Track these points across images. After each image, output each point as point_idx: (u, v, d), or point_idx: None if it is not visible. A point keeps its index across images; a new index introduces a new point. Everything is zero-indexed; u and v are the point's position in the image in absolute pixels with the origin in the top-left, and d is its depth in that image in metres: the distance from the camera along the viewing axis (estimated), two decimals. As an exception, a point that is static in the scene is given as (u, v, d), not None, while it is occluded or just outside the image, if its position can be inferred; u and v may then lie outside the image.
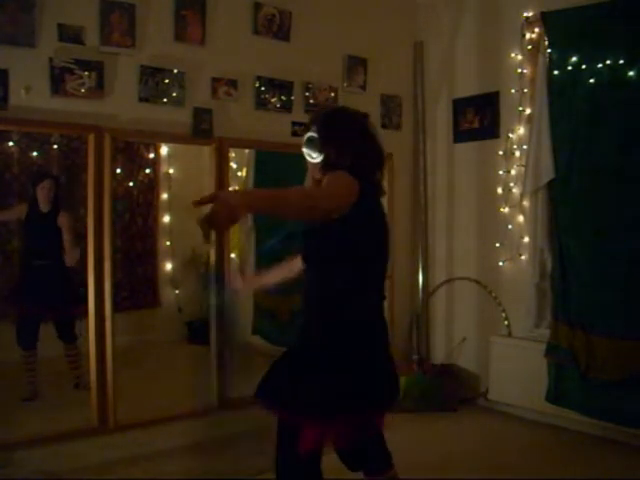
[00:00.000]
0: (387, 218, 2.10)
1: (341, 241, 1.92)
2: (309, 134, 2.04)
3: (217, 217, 1.50)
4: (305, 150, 2.05)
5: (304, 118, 4.24)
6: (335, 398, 1.91)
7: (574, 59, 3.76)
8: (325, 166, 2.01)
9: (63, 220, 4.13)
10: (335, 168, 1.95)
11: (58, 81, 3.27)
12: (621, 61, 3.56)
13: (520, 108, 4.17)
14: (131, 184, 5.65)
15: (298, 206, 1.70)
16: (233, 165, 4.88)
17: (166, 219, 5.80)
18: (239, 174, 5.51)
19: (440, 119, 4.82)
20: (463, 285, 4.66)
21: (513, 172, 4.26)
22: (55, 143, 4.96)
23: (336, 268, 1.96)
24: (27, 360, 4.07)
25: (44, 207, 4.20)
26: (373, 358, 1.99)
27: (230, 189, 1.80)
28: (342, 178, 1.87)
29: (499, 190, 4.35)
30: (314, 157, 2.03)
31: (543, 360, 3.92)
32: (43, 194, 4.19)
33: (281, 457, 2.02)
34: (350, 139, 2.01)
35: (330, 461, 2.13)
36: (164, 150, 5.73)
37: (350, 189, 1.85)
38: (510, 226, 4.27)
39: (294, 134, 4.21)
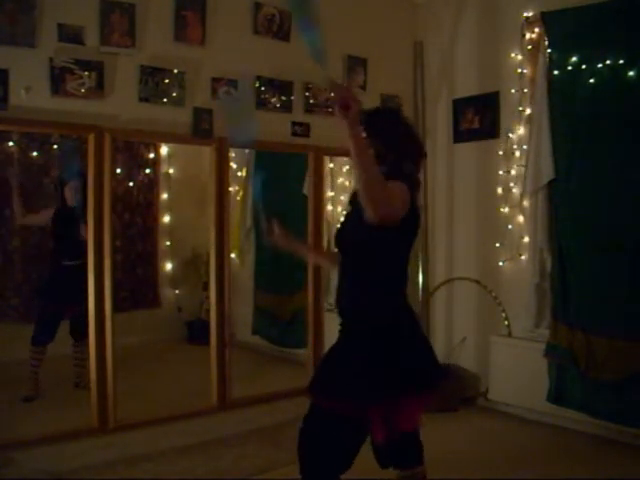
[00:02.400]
0: (420, 211, 2.27)
1: (388, 247, 2.09)
2: None
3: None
4: None
5: (304, 118, 4.25)
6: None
7: (574, 59, 3.76)
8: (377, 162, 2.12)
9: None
10: (383, 163, 2.08)
11: (58, 81, 3.27)
12: (621, 61, 3.56)
13: (520, 108, 4.17)
14: (131, 184, 5.65)
15: (375, 187, 1.82)
16: (233, 165, 4.89)
17: (166, 219, 5.80)
18: (239, 174, 5.52)
19: (440, 119, 4.82)
20: (463, 285, 4.66)
21: (513, 172, 4.26)
22: (55, 143, 4.98)
23: (379, 262, 2.13)
24: (36, 357, 4.09)
25: (72, 204, 4.25)
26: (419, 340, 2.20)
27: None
28: (403, 193, 2.00)
29: (499, 190, 4.35)
30: None
31: (543, 360, 3.92)
32: (70, 194, 4.24)
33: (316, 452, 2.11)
34: (395, 134, 2.15)
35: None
36: (164, 150, 5.74)
37: (405, 204, 2.00)
38: (510, 226, 4.27)
39: (294, 134, 4.21)
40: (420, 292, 4.74)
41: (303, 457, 2.13)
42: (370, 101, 4.57)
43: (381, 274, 2.12)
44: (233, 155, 4.54)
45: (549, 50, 3.89)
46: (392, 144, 2.13)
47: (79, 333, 4.25)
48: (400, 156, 2.13)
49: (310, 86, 4.26)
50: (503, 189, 4.32)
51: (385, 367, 2.04)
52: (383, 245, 2.04)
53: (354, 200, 2.12)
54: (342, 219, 2.43)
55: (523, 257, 4.19)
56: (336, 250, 2.31)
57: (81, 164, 3.91)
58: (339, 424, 2.06)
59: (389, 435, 2.11)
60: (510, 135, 4.27)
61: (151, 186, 5.80)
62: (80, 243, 4.22)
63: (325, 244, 4.52)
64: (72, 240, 4.22)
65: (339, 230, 2.33)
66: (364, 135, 2.00)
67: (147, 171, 5.75)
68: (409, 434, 2.18)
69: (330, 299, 4.28)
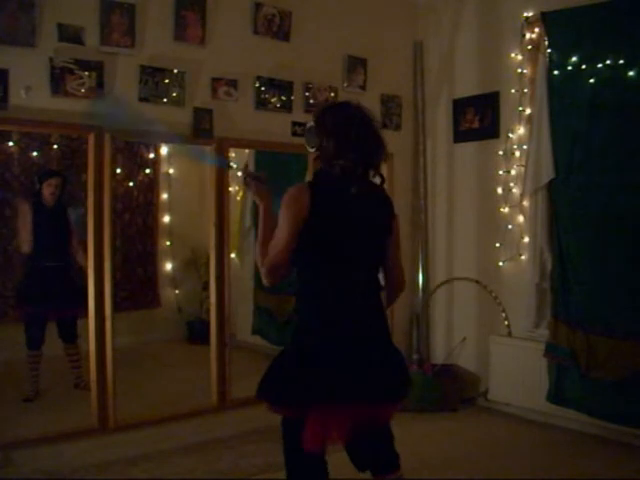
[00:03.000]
0: (358, 211, 2.07)
1: (303, 246, 2.01)
2: (308, 125, 2.10)
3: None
4: (305, 139, 2.11)
5: (304, 118, 4.24)
6: (306, 388, 1.97)
7: (574, 59, 3.76)
8: (319, 156, 2.07)
9: (73, 215, 4.12)
10: (326, 157, 2.03)
11: (58, 81, 3.27)
12: (621, 61, 3.56)
13: (520, 108, 4.17)
14: (131, 184, 5.65)
15: (260, 256, 2.05)
16: (233, 165, 4.88)
17: (166, 219, 5.80)
18: (239, 174, 5.51)
19: (440, 119, 4.82)
20: (463, 285, 4.66)
21: (513, 172, 4.26)
22: (55, 143, 4.97)
23: (301, 268, 2.06)
24: (33, 360, 4.08)
25: (50, 203, 4.20)
26: (340, 348, 2.00)
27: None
28: (281, 220, 2.00)
29: (499, 190, 4.35)
30: (311, 147, 2.08)
31: (543, 360, 3.92)
32: (49, 191, 4.19)
33: (285, 456, 2.11)
34: (340, 128, 2.03)
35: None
36: (164, 150, 5.73)
37: (291, 223, 1.98)
38: (510, 226, 4.27)
39: (294, 134, 4.21)
40: (420, 292, 4.74)
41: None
42: (370, 101, 4.58)
43: (305, 281, 2.07)
44: (233, 155, 4.53)
45: (549, 50, 3.89)
46: (335, 138, 2.01)
47: (68, 336, 4.25)
48: (344, 149, 2.01)
49: (310, 86, 4.26)
50: (503, 189, 4.32)
51: (299, 375, 1.99)
52: (300, 253, 2.00)
53: None
54: None
55: (523, 257, 4.19)
56: None
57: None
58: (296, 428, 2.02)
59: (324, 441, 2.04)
60: (510, 135, 4.27)
61: (151, 186, 5.79)
62: (60, 241, 4.20)
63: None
64: (52, 241, 4.19)
65: None
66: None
67: (147, 171, 5.75)
68: (377, 439, 2.15)
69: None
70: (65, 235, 4.21)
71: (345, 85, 4.47)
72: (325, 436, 1.98)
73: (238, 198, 5.52)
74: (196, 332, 5.53)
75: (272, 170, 5.21)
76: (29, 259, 4.30)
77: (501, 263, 4.35)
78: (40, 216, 4.19)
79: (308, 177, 4.43)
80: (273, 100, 4.10)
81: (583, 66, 3.72)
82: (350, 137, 2.01)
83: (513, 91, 4.22)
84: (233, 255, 4.60)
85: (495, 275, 4.41)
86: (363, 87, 4.56)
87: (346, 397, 1.96)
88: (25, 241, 4.25)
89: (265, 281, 2.04)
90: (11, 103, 3.15)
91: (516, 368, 4.11)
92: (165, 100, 3.64)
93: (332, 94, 4.37)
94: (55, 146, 4.98)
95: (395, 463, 2.20)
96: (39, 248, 4.22)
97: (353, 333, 2.02)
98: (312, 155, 2.11)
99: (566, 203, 3.85)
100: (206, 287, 4.58)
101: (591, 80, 3.69)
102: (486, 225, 4.48)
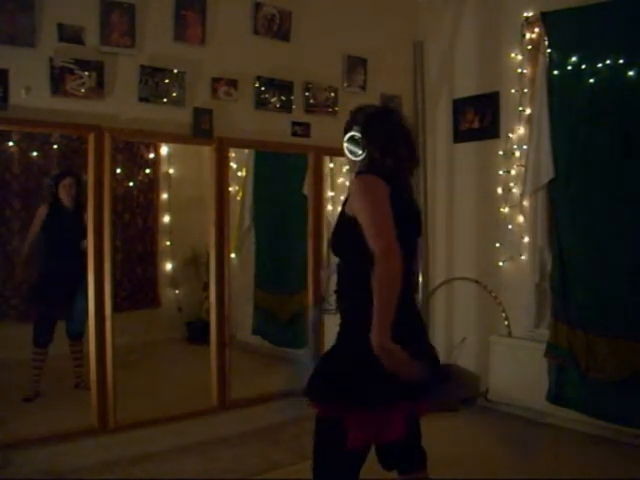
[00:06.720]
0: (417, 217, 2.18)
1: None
2: (352, 133, 2.11)
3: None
4: (348, 147, 2.12)
5: (304, 118, 4.25)
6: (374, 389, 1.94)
7: (574, 59, 3.77)
8: (369, 164, 2.07)
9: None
10: (377, 167, 2.04)
11: (58, 81, 3.27)
12: (621, 61, 3.56)
13: (520, 108, 4.17)
14: (131, 184, 5.66)
15: (392, 287, 1.84)
16: (233, 165, 4.89)
17: (166, 219, 5.81)
18: (239, 174, 5.52)
19: (440, 119, 4.82)
20: (463, 285, 4.66)
21: (513, 172, 4.26)
22: (55, 143, 4.98)
23: (361, 263, 1.94)
24: (38, 358, 4.09)
25: (68, 204, 4.20)
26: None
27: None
28: (375, 205, 1.91)
29: (499, 190, 4.35)
30: (358, 155, 2.09)
31: (543, 360, 3.92)
32: (65, 191, 4.20)
33: (324, 457, 2.05)
34: (392, 140, 2.08)
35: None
36: (164, 150, 5.74)
37: (383, 206, 1.92)
38: (510, 226, 4.27)
39: (294, 134, 4.21)
40: (420, 292, 4.74)
41: None
42: (370, 101, 4.57)
43: (365, 278, 1.96)
44: (233, 155, 4.53)
45: (549, 50, 3.89)
46: (388, 150, 2.06)
47: (76, 333, 4.25)
48: (395, 161, 2.06)
49: (310, 86, 4.26)
50: (503, 189, 4.32)
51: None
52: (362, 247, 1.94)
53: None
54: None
55: (523, 257, 4.19)
56: None
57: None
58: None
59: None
60: (510, 135, 4.27)
61: (151, 186, 5.80)
62: (77, 244, 4.21)
63: (325, 243, 4.51)
64: (71, 242, 4.19)
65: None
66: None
67: (147, 171, 5.75)
68: (409, 437, 2.11)
69: (330, 300, 4.27)
70: (81, 235, 4.22)
71: (345, 85, 4.47)
72: (369, 434, 1.98)
73: (238, 198, 5.53)
74: (196, 332, 5.53)
75: (272, 170, 5.25)
76: (46, 258, 4.30)
77: (501, 263, 4.35)
78: (57, 217, 4.20)
79: (308, 177, 4.43)
80: (273, 100, 4.10)
81: (583, 66, 3.72)
82: (398, 148, 2.07)
83: (513, 91, 4.22)
84: (233, 255, 4.61)
85: (495, 275, 4.41)
86: (363, 87, 4.56)
87: (407, 394, 1.97)
88: (26, 246, 4.27)
89: (396, 280, 1.86)
90: (11, 103, 3.15)
91: (516, 368, 4.11)
92: (165, 100, 3.64)
93: (332, 94, 4.37)
94: (55, 146, 4.99)
95: (423, 461, 2.21)
96: (58, 249, 4.21)
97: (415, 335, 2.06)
98: (352, 161, 2.13)
99: (566, 203, 3.85)
100: (206, 287, 4.58)
101: (591, 80, 3.69)
102: (486, 225, 4.48)
